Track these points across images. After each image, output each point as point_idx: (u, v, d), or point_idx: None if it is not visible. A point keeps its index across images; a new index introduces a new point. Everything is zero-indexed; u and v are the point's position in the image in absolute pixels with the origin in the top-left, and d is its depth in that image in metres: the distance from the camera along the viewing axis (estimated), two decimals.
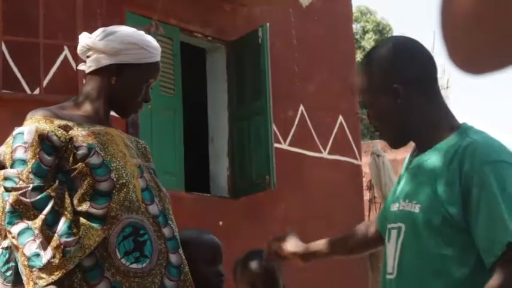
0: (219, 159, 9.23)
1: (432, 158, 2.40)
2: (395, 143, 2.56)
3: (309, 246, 3.04)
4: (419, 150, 2.52)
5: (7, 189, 2.60)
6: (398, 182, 2.59)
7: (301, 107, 9.90)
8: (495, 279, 2.23)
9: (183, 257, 2.77)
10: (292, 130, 9.74)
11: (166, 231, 2.74)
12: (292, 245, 3.02)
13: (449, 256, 2.32)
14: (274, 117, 8.86)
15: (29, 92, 7.10)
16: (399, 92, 2.45)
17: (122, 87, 2.81)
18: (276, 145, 9.03)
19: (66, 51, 7.35)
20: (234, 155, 9.10)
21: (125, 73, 2.80)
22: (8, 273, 2.66)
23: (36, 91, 7.07)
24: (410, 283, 2.39)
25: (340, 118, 10.52)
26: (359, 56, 23.42)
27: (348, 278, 10.13)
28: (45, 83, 7.07)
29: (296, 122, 9.81)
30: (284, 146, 9.56)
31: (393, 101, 2.46)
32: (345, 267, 10.11)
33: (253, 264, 3.25)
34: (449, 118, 2.49)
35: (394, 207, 2.52)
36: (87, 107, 2.81)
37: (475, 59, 1.07)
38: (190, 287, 2.76)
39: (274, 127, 8.97)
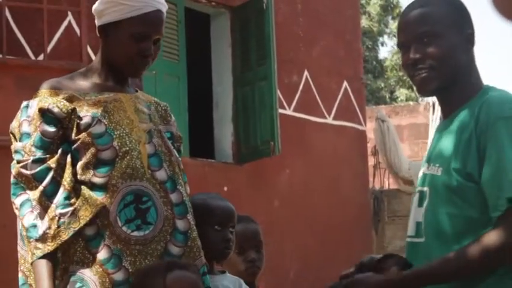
0: (223, 125, 9.24)
1: (455, 122, 2.41)
2: (432, 89, 2.50)
3: None
4: (444, 112, 2.52)
5: (17, 162, 2.65)
6: (428, 148, 2.60)
7: (306, 72, 9.89)
8: (492, 234, 2.25)
9: (192, 223, 2.76)
10: (297, 95, 9.73)
11: (174, 196, 2.72)
12: None
13: (474, 218, 2.31)
14: (278, 82, 8.85)
15: (33, 57, 7.09)
16: (473, 39, 2.46)
17: (110, 48, 2.77)
18: (281, 111, 9.02)
19: (70, 17, 7.33)
20: (238, 120, 9.10)
21: (110, 33, 2.76)
22: None
23: (41, 57, 7.06)
24: (436, 246, 2.38)
25: (345, 83, 10.50)
26: (364, 21, 23.34)
27: (352, 242, 10.17)
28: (49, 49, 7.06)
29: (300, 88, 9.80)
30: (288, 111, 9.56)
31: (464, 45, 2.45)
32: (349, 231, 10.16)
33: (239, 227, 3.20)
34: (478, 79, 2.50)
35: (421, 172, 2.52)
36: (97, 74, 2.81)
37: None
38: (197, 252, 2.75)
39: (278, 92, 8.96)
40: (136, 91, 2.91)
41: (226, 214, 3.04)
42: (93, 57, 7.18)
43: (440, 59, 2.42)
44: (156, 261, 2.61)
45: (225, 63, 9.27)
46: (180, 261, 2.61)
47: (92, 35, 6.97)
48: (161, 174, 2.72)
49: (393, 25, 25.13)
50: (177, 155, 2.85)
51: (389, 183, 13.14)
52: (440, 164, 2.38)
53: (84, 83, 2.78)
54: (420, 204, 2.47)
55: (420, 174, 2.53)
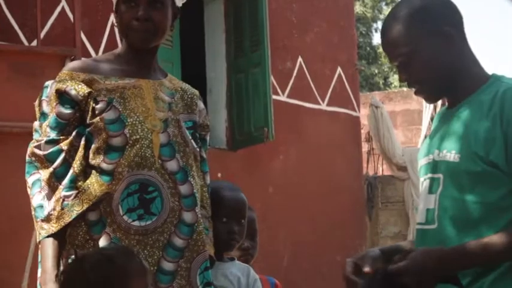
0: (217, 112, 9.22)
1: (469, 109, 2.39)
2: (437, 95, 2.51)
3: None
4: (451, 102, 2.50)
5: (35, 141, 2.70)
6: (431, 137, 2.56)
7: (300, 59, 9.87)
8: None
9: (199, 216, 2.75)
10: (291, 82, 9.72)
11: (183, 188, 2.72)
12: None
13: (492, 204, 2.31)
14: (272, 68, 8.83)
15: (26, 43, 7.06)
16: (451, 33, 2.42)
17: (118, 25, 2.80)
18: (274, 97, 9.01)
19: (63, 2, 7.29)
20: (232, 107, 9.09)
21: (118, 14, 2.78)
22: None
23: (34, 43, 7.03)
24: (451, 232, 2.37)
25: (339, 69, 10.49)
26: (358, 7, 23.30)
27: (345, 228, 10.19)
28: (42, 34, 7.03)
29: (294, 74, 9.79)
30: (282, 97, 9.55)
31: (444, 44, 2.42)
32: (342, 217, 10.18)
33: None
34: (480, 68, 2.49)
35: (428, 159, 2.50)
36: (121, 58, 2.82)
37: None
38: (201, 246, 2.74)
39: (272, 79, 8.94)
40: (166, 75, 2.90)
41: (234, 207, 3.03)
42: (86, 43, 7.16)
43: (424, 72, 2.43)
44: (116, 246, 2.57)
45: (219, 50, 9.25)
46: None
47: (85, 20, 6.95)
48: (172, 165, 2.71)
49: (387, 11, 25.08)
50: (194, 146, 2.82)
51: (383, 169, 13.15)
52: (458, 151, 2.37)
53: (107, 67, 2.77)
54: (431, 191, 2.46)
55: (426, 161, 2.51)
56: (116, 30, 7.39)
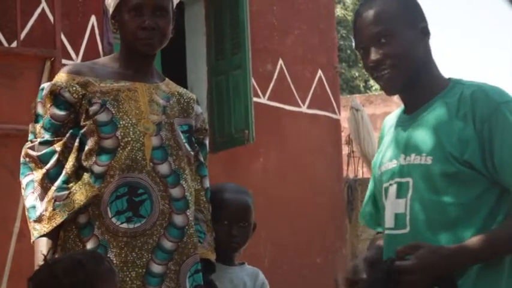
0: None
1: (435, 112, 2.41)
2: (398, 87, 2.50)
3: None
4: (410, 105, 2.52)
5: (30, 142, 2.72)
6: (394, 142, 2.55)
7: (280, 61, 9.89)
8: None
9: (190, 219, 2.76)
10: (271, 84, 9.72)
11: (175, 191, 2.72)
12: None
13: (467, 204, 2.33)
14: (253, 71, 8.84)
15: (6, 45, 7.03)
16: (428, 31, 2.47)
17: (121, 33, 2.82)
18: (255, 99, 9.02)
19: (43, 4, 7.27)
20: (212, 109, 9.09)
21: (118, 19, 2.81)
22: None
23: (14, 44, 7.01)
24: (426, 235, 2.38)
25: (319, 72, 10.51)
26: (339, 10, 23.35)
27: (326, 230, 10.21)
28: (22, 36, 7.00)
29: (275, 76, 9.80)
30: (263, 100, 9.56)
31: (420, 38, 2.45)
32: (322, 220, 10.20)
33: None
34: (440, 72, 2.52)
35: (392, 164, 2.50)
36: (118, 62, 2.84)
37: None
38: (192, 249, 2.75)
39: (253, 81, 8.95)
40: (164, 79, 2.92)
41: (235, 210, 3.02)
42: (66, 44, 7.14)
43: (400, 56, 2.43)
44: (85, 250, 2.58)
45: (200, 52, 9.24)
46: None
47: (65, 22, 6.93)
48: (164, 168, 2.71)
49: None
50: (188, 149, 2.82)
51: (363, 172, 13.19)
52: (429, 153, 2.38)
53: (104, 70, 2.80)
54: (400, 195, 2.46)
55: (390, 165, 2.52)
56: (97, 31, 7.41)
